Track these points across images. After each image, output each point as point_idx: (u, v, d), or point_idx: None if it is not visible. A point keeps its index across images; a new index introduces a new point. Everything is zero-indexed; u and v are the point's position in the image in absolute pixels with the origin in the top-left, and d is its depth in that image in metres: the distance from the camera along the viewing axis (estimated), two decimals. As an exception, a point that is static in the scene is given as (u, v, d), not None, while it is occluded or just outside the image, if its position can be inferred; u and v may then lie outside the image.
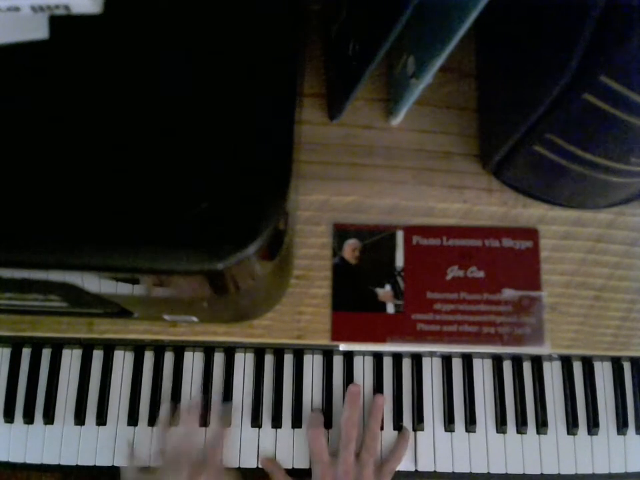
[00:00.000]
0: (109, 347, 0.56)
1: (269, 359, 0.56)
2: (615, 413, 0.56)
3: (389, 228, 0.53)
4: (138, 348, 0.56)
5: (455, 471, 0.54)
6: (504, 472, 0.54)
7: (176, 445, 0.52)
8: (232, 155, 0.29)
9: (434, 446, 0.55)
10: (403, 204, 0.54)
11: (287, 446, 0.55)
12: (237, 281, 0.34)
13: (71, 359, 0.56)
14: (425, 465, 0.54)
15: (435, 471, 0.54)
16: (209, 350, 0.56)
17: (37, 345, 0.56)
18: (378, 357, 0.56)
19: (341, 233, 0.53)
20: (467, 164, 0.55)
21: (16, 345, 0.56)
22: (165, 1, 0.31)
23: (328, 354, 0.56)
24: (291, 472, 0.54)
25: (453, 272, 0.53)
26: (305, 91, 0.55)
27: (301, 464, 0.54)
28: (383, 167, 0.54)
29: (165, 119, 0.29)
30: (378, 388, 0.55)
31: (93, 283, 0.32)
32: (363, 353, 0.56)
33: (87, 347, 0.56)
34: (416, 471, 0.54)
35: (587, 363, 0.57)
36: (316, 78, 0.56)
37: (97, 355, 0.56)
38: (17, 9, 0.25)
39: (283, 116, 0.30)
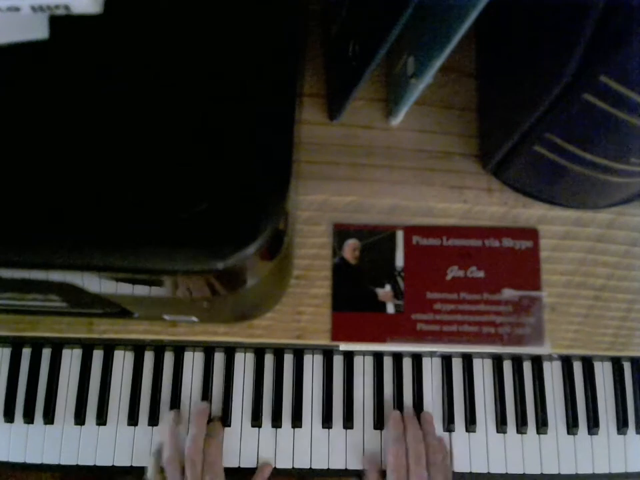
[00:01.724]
0: (109, 347, 0.56)
1: (268, 359, 0.56)
2: (615, 413, 0.56)
3: (389, 228, 0.53)
4: (138, 348, 0.57)
5: (455, 470, 0.54)
6: (504, 472, 0.54)
7: (184, 450, 0.51)
8: (232, 155, 0.29)
9: (434, 446, 0.55)
10: (403, 204, 0.54)
11: (287, 446, 0.55)
12: (237, 281, 0.34)
13: (71, 359, 0.56)
14: (425, 465, 0.54)
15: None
16: (209, 350, 0.56)
17: (37, 344, 0.56)
18: (378, 357, 0.56)
19: (341, 232, 0.53)
20: (467, 164, 0.55)
21: (16, 345, 0.56)
22: (165, 2, 0.31)
23: (328, 354, 0.56)
24: (290, 472, 0.55)
25: (453, 272, 0.53)
26: (305, 90, 0.55)
27: (301, 464, 0.54)
28: (382, 166, 0.54)
29: (164, 119, 0.29)
30: (378, 388, 0.55)
31: (93, 283, 0.32)
32: (363, 353, 0.56)
33: (87, 347, 0.56)
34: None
35: (587, 363, 0.57)
36: (316, 78, 0.56)
37: (97, 355, 0.56)
38: (16, 9, 0.25)
39: (283, 116, 0.30)
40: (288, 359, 0.56)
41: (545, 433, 0.55)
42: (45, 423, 0.55)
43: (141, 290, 0.35)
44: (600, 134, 0.39)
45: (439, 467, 0.51)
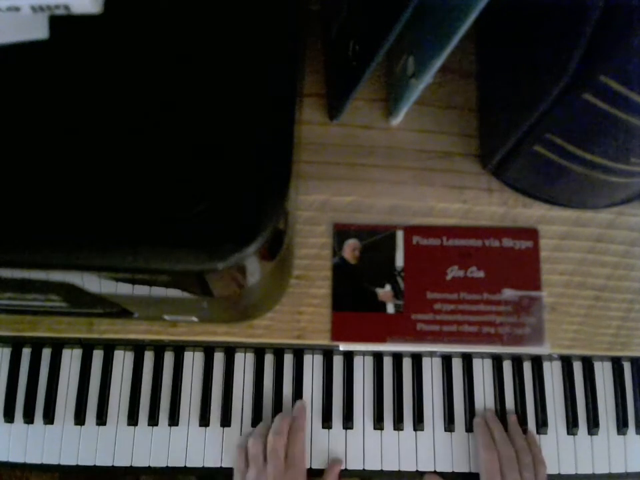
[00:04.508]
0: (109, 347, 0.56)
1: (268, 359, 0.56)
2: (615, 413, 0.56)
3: (389, 228, 0.53)
4: (138, 348, 0.57)
5: (455, 470, 0.54)
6: (504, 472, 0.54)
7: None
8: (232, 155, 0.29)
9: (434, 446, 0.55)
10: (403, 204, 0.54)
11: (287, 446, 0.55)
12: (237, 281, 0.34)
13: (70, 359, 0.56)
14: (425, 465, 0.54)
15: (434, 471, 0.54)
16: (209, 350, 0.56)
17: (37, 344, 0.56)
18: (378, 357, 0.56)
19: (341, 232, 0.53)
20: (467, 164, 0.55)
21: (16, 344, 0.56)
22: (165, 1, 0.31)
23: (328, 354, 0.56)
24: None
25: (453, 272, 0.53)
26: (305, 91, 0.55)
27: (301, 464, 0.54)
28: (383, 166, 0.54)
29: (164, 119, 0.29)
30: (378, 388, 0.55)
31: (93, 282, 0.32)
32: (363, 353, 0.56)
33: (87, 347, 0.56)
34: (417, 470, 0.54)
35: (587, 363, 0.57)
36: (316, 78, 0.56)
37: (97, 355, 0.56)
38: (17, 9, 0.25)
39: (283, 116, 0.30)
40: (288, 359, 0.56)
41: (545, 433, 0.55)
42: (45, 423, 0.55)
43: (140, 290, 0.35)
44: (600, 134, 0.39)
45: (530, 468, 0.52)
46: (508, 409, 0.56)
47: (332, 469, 0.53)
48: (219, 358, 0.56)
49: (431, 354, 0.56)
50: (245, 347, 0.56)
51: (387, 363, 0.56)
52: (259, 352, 0.56)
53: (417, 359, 0.56)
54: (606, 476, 0.55)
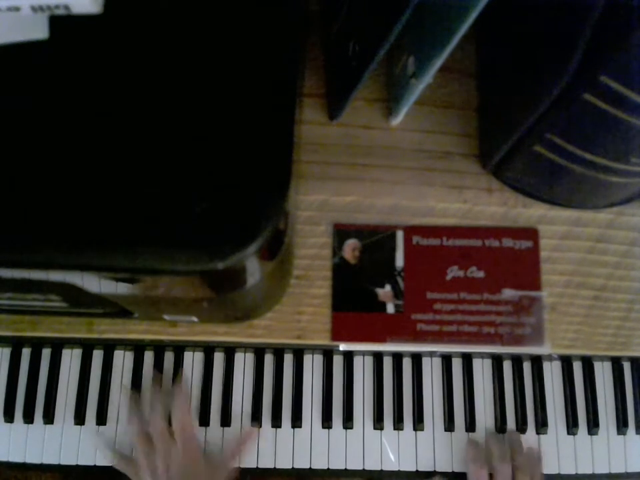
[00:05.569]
0: (109, 347, 0.56)
1: (268, 359, 0.56)
2: (614, 413, 0.56)
3: (389, 228, 0.53)
4: (138, 348, 0.56)
5: (455, 470, 0.54)
6: (504, 472, 0.54)
7: (149, 424, 0.53)
8: (232, 155, 0.29)
9: (434, 446, 0.55)
10: (403, 204, 0.54)
11: (287, 446, 0.55)
12: (236, 281, 0.34)
13: (70, 359, 0.56)
14: (425, 465, 0.54)
15: (434, 471, 0.54)
16: (208, 350, 0.56)
17: (37, 345, 0.56)
18: (378, 357, 0.56)
19: (341, 232, 0.53)
20: (467, 164, 0.55)
21: (16, 345, 0.56)
22: (165, 1, 0.31)
23: (328, 354, 0.56)
24: (290, 472, 0.55)
25: (453, 272, 0.53)
26: (305, 91, 0.55)
27: (301, 464, 0.54)
28: (382, 166, 0.54)
29: (164, 119, 0.29)
30: (378, 388, 0.55)
31: (92, 282, 0.32)
32: (363, 353, 0.56)
33: (87, 347, 0.56)
34: (416, 470, 0.54)
35: (587, 363, 0.57)
36: (316, 78, 0.56)
37: (97, 355, 0.56)
38: (17, 9, 0.25)
39: (283, 116, 0.30)
40: (288, 359, 0.56)
41: (545, 433, 0.55)
42: (45, 423, 0.55)
43: (140, 290, 0.35)
44: (600, 134, 0.39)
45: (527, 472, 0.50)
46: (508, 409, 0.56)
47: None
48: (218, 358, 0.56)
49: (431, 354, 0.56)
50: (245, 347, 0.56)
51: (387, 363, 0.56)
52: (259, 352, 0.56)
53: (416, 358, 0.56)
54: (606, 476, 0.55)
